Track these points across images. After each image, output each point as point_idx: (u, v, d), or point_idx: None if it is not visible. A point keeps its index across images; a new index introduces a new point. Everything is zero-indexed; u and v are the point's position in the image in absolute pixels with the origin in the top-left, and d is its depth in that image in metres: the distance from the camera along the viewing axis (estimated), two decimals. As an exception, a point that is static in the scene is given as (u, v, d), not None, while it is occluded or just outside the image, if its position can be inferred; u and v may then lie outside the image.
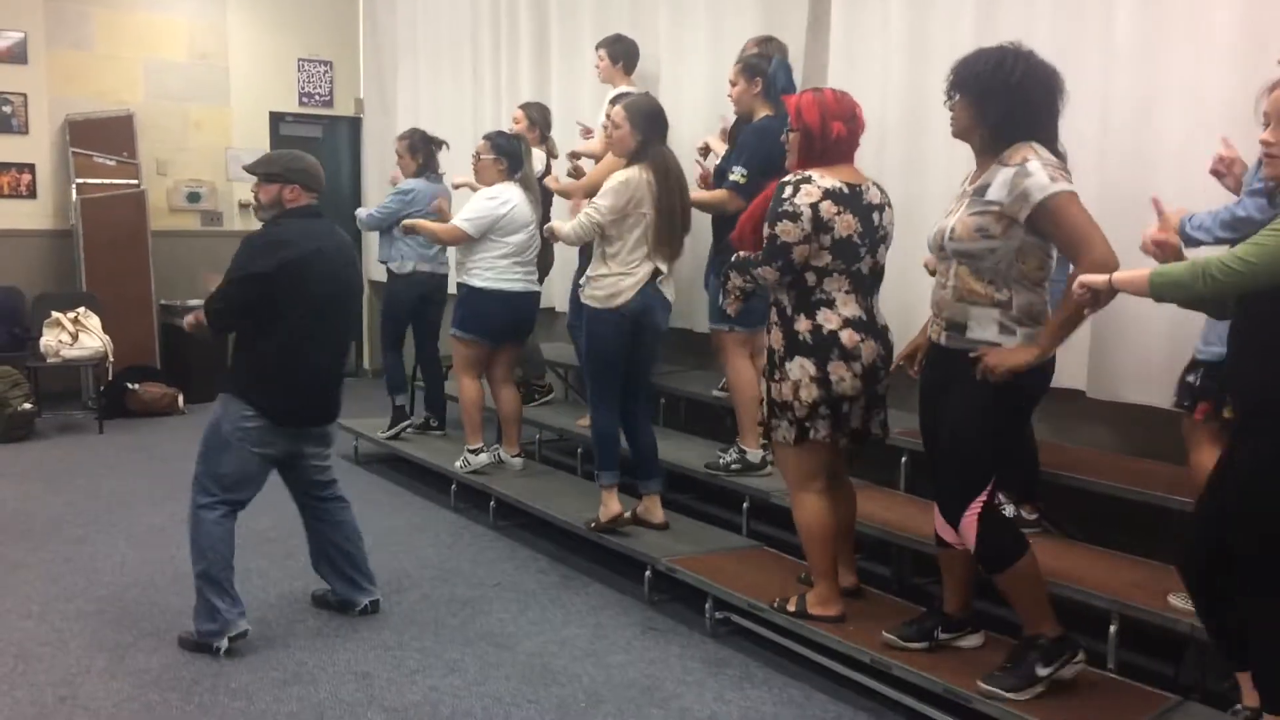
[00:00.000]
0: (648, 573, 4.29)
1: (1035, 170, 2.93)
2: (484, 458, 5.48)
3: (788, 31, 5.23)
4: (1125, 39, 3.93)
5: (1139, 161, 3.85)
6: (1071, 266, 3.00)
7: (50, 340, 7.29)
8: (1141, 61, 3.88)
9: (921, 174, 4.68)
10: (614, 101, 4.84)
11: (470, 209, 5.23)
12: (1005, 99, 2.97)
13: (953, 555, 3.30)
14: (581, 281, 4.52)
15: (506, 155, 5.25)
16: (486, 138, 5.38)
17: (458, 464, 5.54)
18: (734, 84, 4.54)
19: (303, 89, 9.26)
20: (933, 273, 3.29)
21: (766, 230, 3.44)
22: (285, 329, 3.68)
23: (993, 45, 3.08)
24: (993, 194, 2.98)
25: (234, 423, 3.71)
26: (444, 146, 6.32)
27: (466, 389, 5.43)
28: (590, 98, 6.40)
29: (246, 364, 3.78)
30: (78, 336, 7.32)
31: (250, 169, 3.90)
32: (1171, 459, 3.98)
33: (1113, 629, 3.29)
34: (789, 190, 3.42)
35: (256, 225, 3.96)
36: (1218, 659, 3.21)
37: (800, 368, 3.45)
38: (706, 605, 4.01)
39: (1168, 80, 3.81)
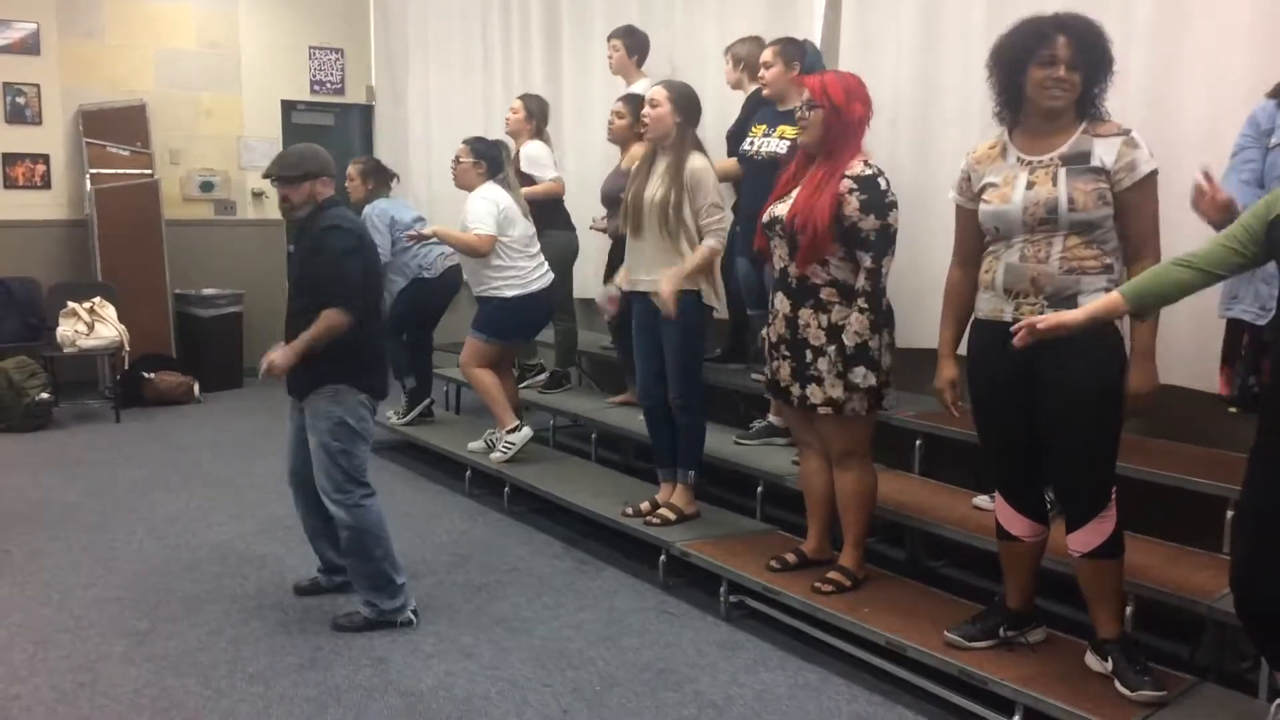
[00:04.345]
0: (662, 557, 4.30)
1: (1141, 143, 2.95)
2: (526, 432, 5.42)
3: (798, 19, 5.21)
4: (1144, 15, 3.88)
5: (1157, 140, 3.81)
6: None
7: (66, 330, 7.32)
8: (1160, 39, 3.84)
9: (931, 159, 4.65)
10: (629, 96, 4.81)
11: (475, 215, 5.15)
12: (1107, 72, 2.97)
13: (1021, 549, 3.22)
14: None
15: (486, 159, 5.29)
16: (466, 142, 5.39)
17: (494, 456, 5.43)
18: (769, 66, 4.55)
19: (314, 77, 9.25)
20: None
21: (875, 222, 3.50)
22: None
23: (1082, 13, 3.01)
24: (1099, 161, 2.94)
25: (355, 413, 3.79)
26: (396, 180, 6.41)
27: (483, 378, 5.39)
28: (601, 87, 6.39)
29: (352, 350, 3.78)
30: (93, 326, 7.36)
31: (273, 175, 3.80)
32: (1187, 439, 3.97)
33: (1128, 610, 3.28)
34: (883, 182, 3.54)
35: (269, 214, 3.96)
36: (1234, 640, 3.21)
37: (879, 341, 3.60)
38: (721, 589, 4.01)
39: (1187, 58, 3.77)
